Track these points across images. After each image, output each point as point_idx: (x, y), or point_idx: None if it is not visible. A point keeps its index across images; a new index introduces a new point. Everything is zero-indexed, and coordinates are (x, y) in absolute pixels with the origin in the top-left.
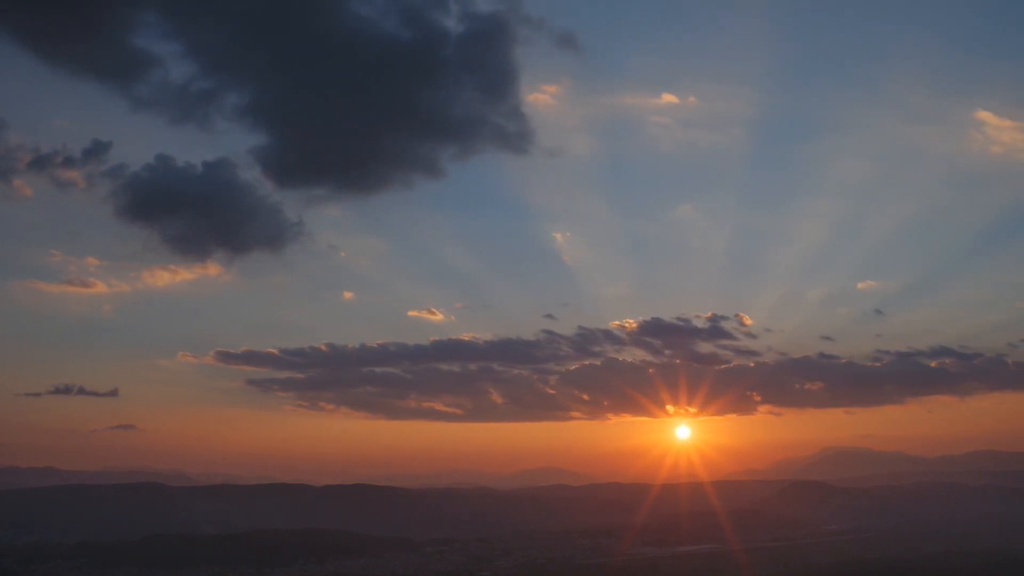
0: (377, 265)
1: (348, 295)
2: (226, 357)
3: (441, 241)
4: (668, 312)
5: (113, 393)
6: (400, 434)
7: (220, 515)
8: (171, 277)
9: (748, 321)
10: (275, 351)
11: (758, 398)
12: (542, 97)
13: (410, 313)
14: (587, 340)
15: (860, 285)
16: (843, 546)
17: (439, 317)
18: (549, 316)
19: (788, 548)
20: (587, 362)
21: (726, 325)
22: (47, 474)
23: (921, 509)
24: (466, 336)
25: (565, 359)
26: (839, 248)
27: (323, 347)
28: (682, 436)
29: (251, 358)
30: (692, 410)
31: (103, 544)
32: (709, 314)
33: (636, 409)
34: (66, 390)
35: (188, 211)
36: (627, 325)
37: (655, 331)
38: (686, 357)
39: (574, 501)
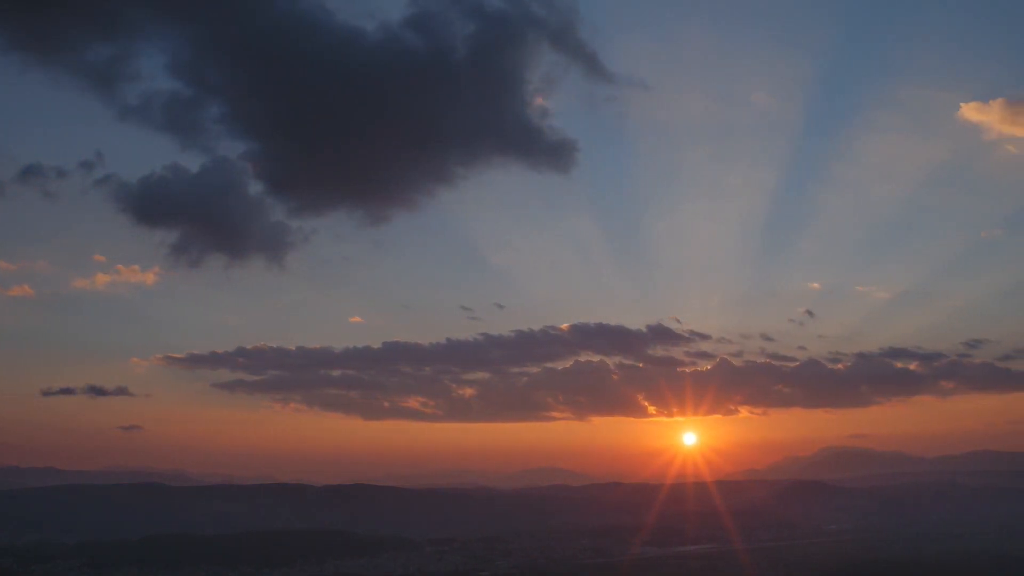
0: (297, 270)
1: (274, 301)
2: (171, 361)
3: (354, 246)
4: (591, 316)
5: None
6: (379, 434)
7: (220, 515)
8: (88, 284)
9: (688, 324)
10: (220, 351)
11: (738, 399)
12: None
13: (333, 318)
14: (530, 343)
15: (777, 287)
16: (843, 546)
17: (360, 320)
18: (476, 319)
19: (788, 548)
20: (547, 365)
21: (673, 328)
22: (47, 474)
23: (921, 509)
24: (396, 339)
25: (520, 361)
26: (735, 251)
27: (266, 348)
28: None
29: (198, 360)
30: (674, 411)
31: (103, 544)
32: (643, 318)
33: (615, 410)
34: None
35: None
36: (563, 328)
37: (598, 334)
38: (641, 360)
39: (575, 501)
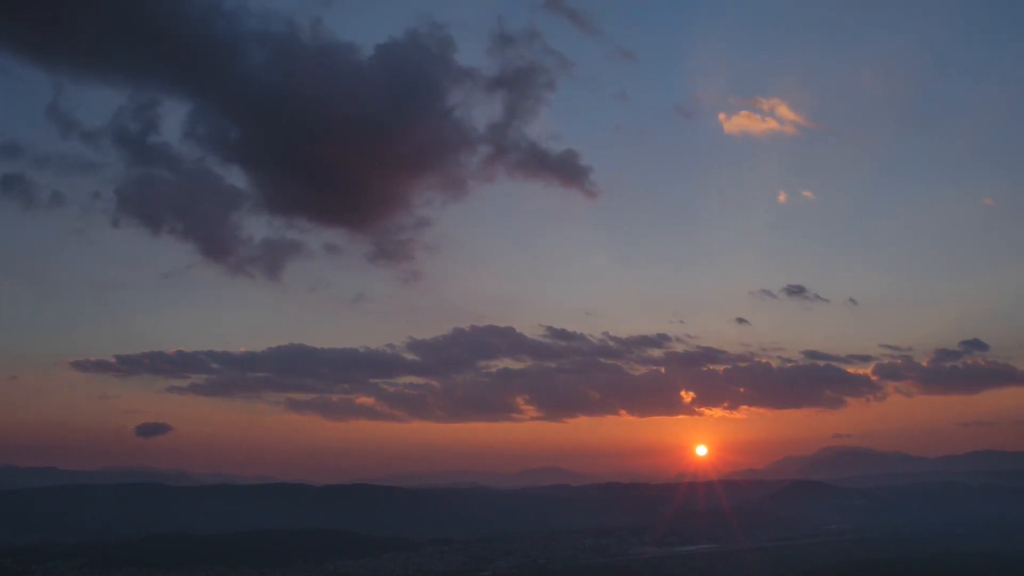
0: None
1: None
2: (84, 365)
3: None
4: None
5: None
6: (346, 434)
7: (220, 515)
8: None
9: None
10: (135, 355)
11: (707, 400)
12: None
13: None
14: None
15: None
16: (843, 546)
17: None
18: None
19: (788, 548)
20: (481, 366)
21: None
22: (47, 474)
23: (921, 509)
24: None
25: (454, 367)
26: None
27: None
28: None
29: (107, 366)
30: (647, 412)
31: (103, 544)
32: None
33: (583, 411)
34: None
35: None
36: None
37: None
38: (578, 365)
39: (574, 501)
